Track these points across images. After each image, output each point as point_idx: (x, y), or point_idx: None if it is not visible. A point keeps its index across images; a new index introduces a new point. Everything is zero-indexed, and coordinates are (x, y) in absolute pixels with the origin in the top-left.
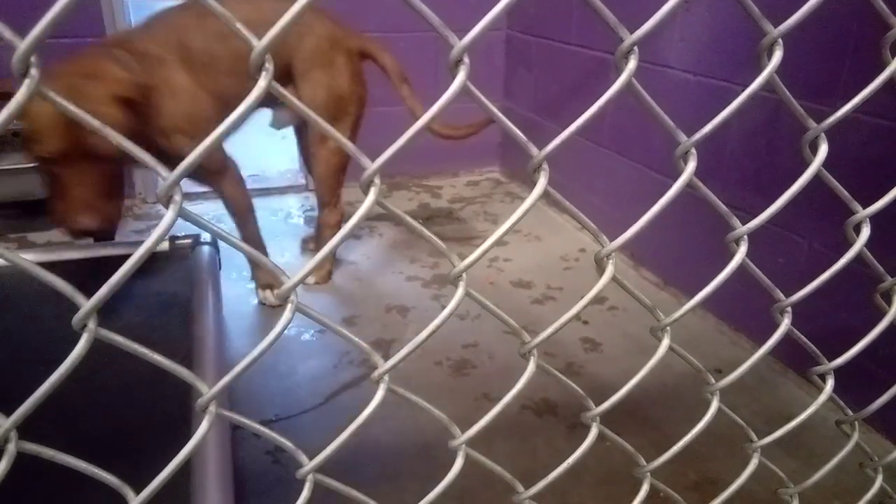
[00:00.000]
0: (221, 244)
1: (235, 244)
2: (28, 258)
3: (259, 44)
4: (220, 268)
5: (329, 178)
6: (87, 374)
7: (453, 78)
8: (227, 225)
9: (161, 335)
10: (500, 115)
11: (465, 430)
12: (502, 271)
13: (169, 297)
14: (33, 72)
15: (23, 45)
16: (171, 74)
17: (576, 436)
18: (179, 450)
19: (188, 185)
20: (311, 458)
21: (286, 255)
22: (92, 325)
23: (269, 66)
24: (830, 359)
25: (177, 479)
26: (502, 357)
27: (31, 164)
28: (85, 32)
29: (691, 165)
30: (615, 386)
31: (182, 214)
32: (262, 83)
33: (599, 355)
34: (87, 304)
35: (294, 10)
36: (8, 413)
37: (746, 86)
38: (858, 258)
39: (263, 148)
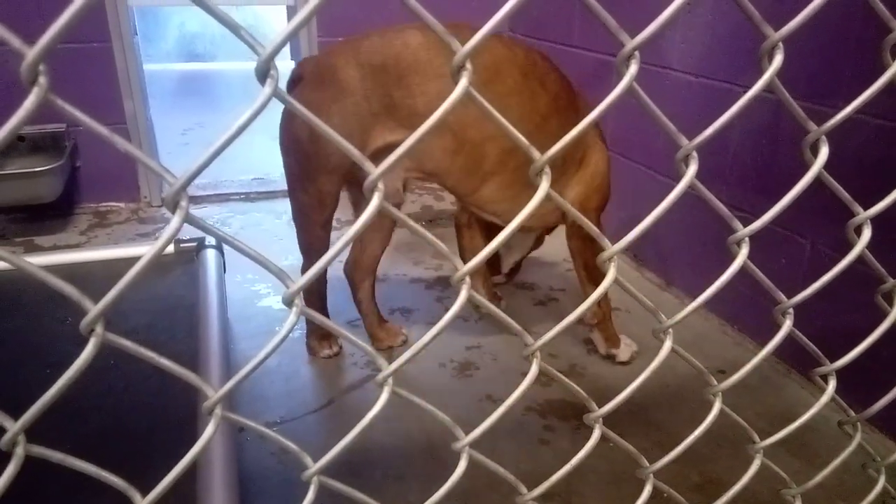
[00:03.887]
0: (226, 247)
1: (240, 248)
2: (34, 262)
3: (265, 51)
4: (224, 271)
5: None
6: (93, 378)
7: (456, 83)
8: (232, 229)
9: (166, 338)
10: (502, 119)
11: (468, 431)
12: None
13: (174, 300)
14: (41, 80)
15: (31, 53)
16: None
17: (579, 437)
18: (184, 452)
19: (193, 189)
20: (315, 460)
21: (289, 257)
22: (99, 329)
23: (275, 72)
24: (833, 360)
25: (182, 482)
26: (505, 359)
27: (37, 169)
28: (90, 38)
29: (692, 168)
30: (618, 387)
31: (188, 220)
32: (266, 90)
33: (602, 357)
34: (94, 309)
35: (301, 15)
36: (15, 417)
37: (748, 87)
38: (860, 259)
39: (267, 151)
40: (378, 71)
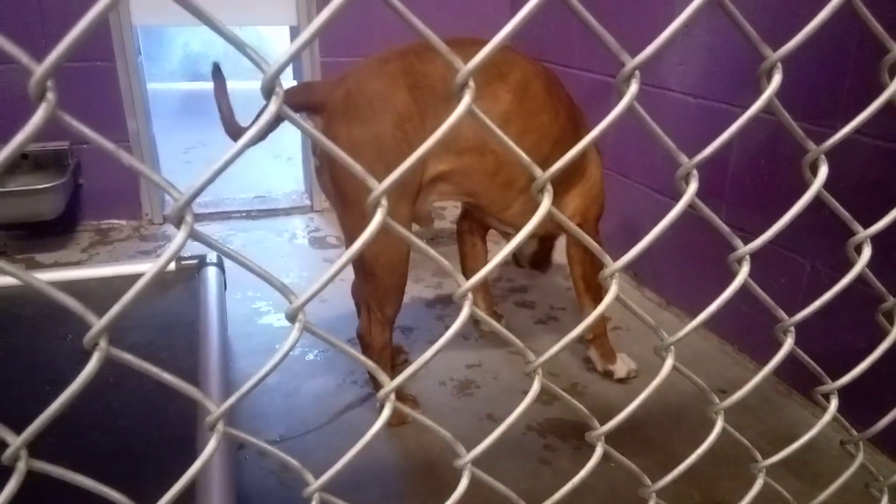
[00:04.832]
0: (227, 264)
1: (244, 263)
2: (38, 278)
3: (270, 69)
4: (225, 288)
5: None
6: (92, 396)
7: (458, 101)
8: (234, 246)
9: (166, 355)
10: (504, 137)
11: (469, 450)
12: (506, 291)
13: (175, 317)
14: (50, 96)
15: (40, 69)
16: None
17: (580, 456)
18: (183, 471)
19: (195, 207)
20: (315, 478)
21: (290, 275)
22: (103, 343)
23: (280, 90)
24: (834, 378)
25: (181, 500)
26: (506, 378)
27: (40, 186)
28: (94, 58)
29: (693, 187)
30: (619, 406)
31: (193, 235)
32: (272, 107)
33: (603, 375)
34: (98, 323)
35: (305, 35)
36: (15, 433)
37: (747, 108)
38: (860, 278)
39: (269, 169)
40: (427, 93)
